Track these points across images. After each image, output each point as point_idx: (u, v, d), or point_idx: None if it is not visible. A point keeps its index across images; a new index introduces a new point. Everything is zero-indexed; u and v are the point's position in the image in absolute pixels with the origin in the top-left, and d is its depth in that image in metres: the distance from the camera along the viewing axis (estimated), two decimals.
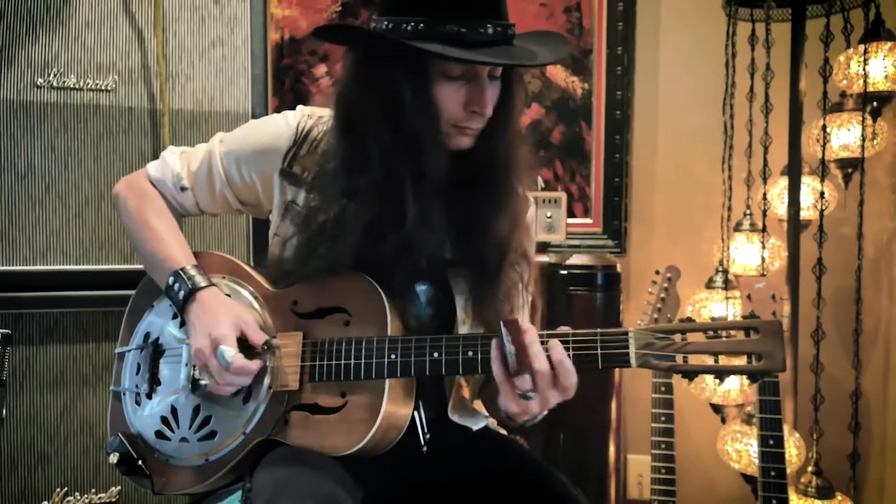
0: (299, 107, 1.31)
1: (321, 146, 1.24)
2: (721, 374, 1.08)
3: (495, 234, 1.22)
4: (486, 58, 1.08)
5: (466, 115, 1.15)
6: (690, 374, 1.08)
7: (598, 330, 1.06)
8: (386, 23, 1.12)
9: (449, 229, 1.22)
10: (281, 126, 1.27)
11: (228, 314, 1.18)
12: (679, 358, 1.04)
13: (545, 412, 1.09)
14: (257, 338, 1.18)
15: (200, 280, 1.23)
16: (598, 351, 1.05)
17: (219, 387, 1.17)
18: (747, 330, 1.05)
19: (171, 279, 1.24)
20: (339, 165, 1.18)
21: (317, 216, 1.20)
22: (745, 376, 1.09)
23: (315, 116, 1.28)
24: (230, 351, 1.13)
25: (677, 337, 1.05)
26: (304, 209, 1.24)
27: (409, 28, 1.09)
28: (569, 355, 1.05)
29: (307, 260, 1.21)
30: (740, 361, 1.06)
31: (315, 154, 1.24)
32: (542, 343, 1.04)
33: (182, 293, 1.22)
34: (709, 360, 1.06)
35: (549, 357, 1.03)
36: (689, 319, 1.10)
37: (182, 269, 1.24)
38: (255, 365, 1.16)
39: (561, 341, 1.06)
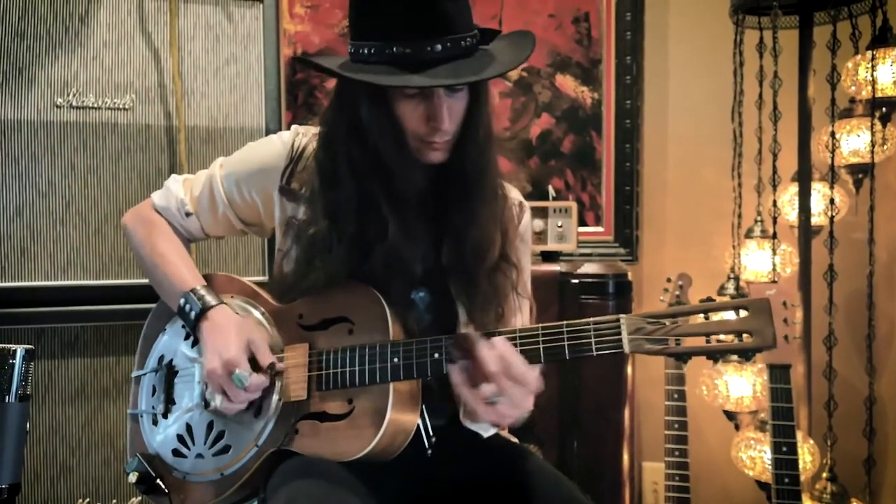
0: (294, 126, 1.35)
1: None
2: (713, 354, 1.09)
3: (474, 240, 1.24)
4: (425, 80, 1.09)
5: (429, 129, 1.17)
6: (683, 356, 1.10)
7: (591, 319, 1.09)
8: (351, 48, 1.16)
9: (438, 238, 1.25)
10: (276, 145, 1.32)
11: (238, 335, 1.21)
12: (671, 341, 1.06)
13: (526, 411, 1.10)
14: (265, 360, 1.21)
15: (211, 299, 1.26)
16: (592, 339, 1.07)
17: (233, 406, 1.20)
18: (737, 309, 1.07)
19: (182, 300, 1.27)
20: (320, 182, 1.23)
21: (307, 230, 1.24)
22: (738, 355, 1.11)
23: (310, 134, 1.32)
24: (245, 374, 1.17)
25: (668, 322, 1.07)
26: (303, 225, 1.28)
27: (364, 52, 1.13)
28: (564, 346, 1.07)
29: (306, 273, 1.24)
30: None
31: (313, 169, 1.28)
32: (559, 338, 1.07)
33: (193, 313, 1.25)
34: (701, 342, 1.07)
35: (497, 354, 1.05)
36: (679, 303, 1.11)
37: (192, 290, 1.28)
38: (267, 379, 1.20)
39: (555, 332, 1.09)
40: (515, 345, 1.09)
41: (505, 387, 1.04)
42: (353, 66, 1.14)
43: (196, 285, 1.29)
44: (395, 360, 1.14)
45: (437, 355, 1.13)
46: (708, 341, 1.06)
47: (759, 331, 1.05)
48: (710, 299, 1.11)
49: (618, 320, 1.07)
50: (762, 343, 1.05)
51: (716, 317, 1.07)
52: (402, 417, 1.17)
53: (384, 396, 1.14)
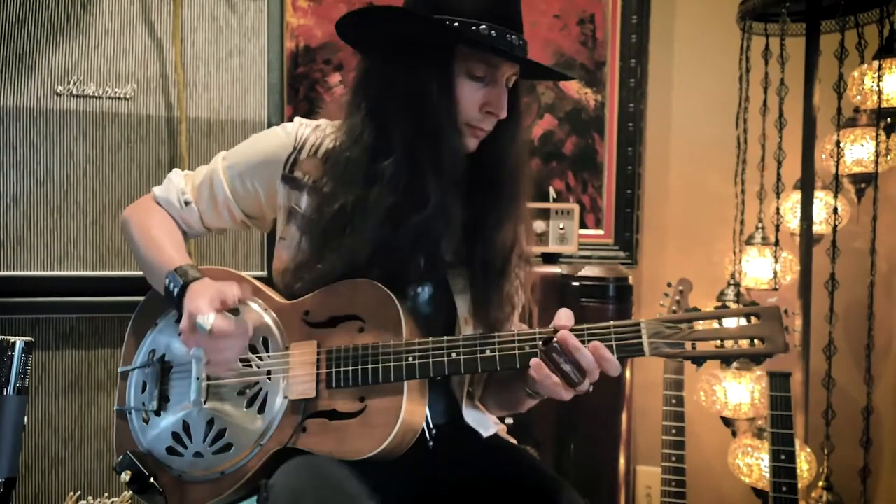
0: (297, 118, 1.37)
1: (322, 150, 1.29)
2: (726, 358, 1.15)
3: (501, 239, 1.26)
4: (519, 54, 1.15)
5: (481, 115, 1.20)
6: (698, 359, 1.13)
7: (612, 322, 1.11)
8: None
9: (467, 226, 1.26)
10: (280, 136, 1.33)
11: (207, 291, 1.17)
12: (688, 345, 1.10)
13: None
14: (231, 297, 1.16)
15: (194, 273, 1.23)
16: (613, 342, 1.10)
17: (217, 359, 1.16)
18: (748, 316, 1.11)
19: (167, 280, 1.24)
20: (359, 154, 1.22)
21: (332, 203, 1.22)
22: (750, 359, 1.18)
23: (313, 125, 1.34)
24: (205, 317, 1.11)
25: (684, 326, 1.11)
26: (306, 213, 1.28)
27: (444, 24, 1.15)
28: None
29: (321, 254, 1.23)
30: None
31: (315, 158, 1.29)
32: (582, 341, 1.10)
33: (176, 290, 1.21)
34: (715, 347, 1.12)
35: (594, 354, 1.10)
36: (695, 309, 1.16)
37: (177, 268, 1.24)
38: (237, 321, 1.16)
39: (576, 335, 1.11)
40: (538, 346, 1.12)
41: (594, 376, 1.11)
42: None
43: (181, 263, 1.25)
44: (411, 359, 1.14)
45: (454, 355, 1.14)
46: (721, 346, 1.10)
47: (770, 337, 1.09)
48: (724, 306, 1.15)
49: (638, 324, 1.11)
50: (773, 348, 1.09)
51: (729, 322, 1.11)
52: (414, 417, 1.16)
53: (398, 395, 1.14)
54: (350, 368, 1.17)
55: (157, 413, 1.29)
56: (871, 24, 2.00)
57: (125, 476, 1.24)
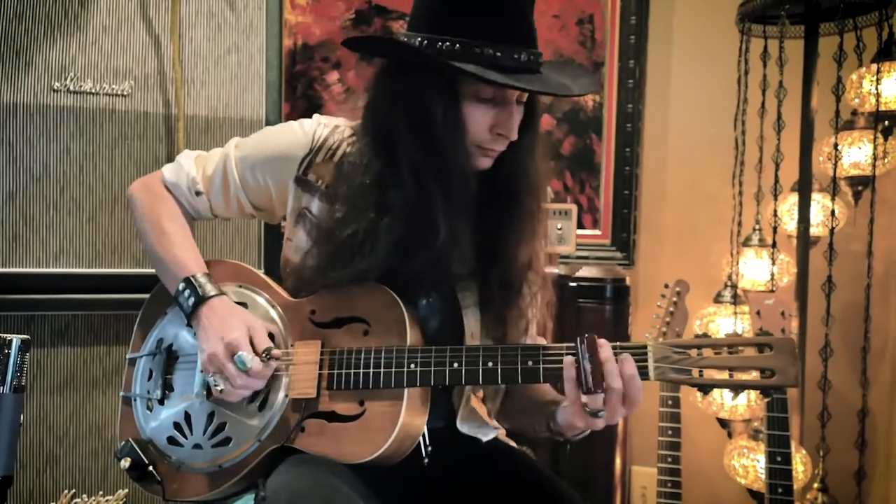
0: (315, 115, 1.33)
1: (338, 155, 1.26)
2: (735, 388, 1.11)
3: (518, 256, 1.24)
4: (522, 84, 1.10)
5: (492, 137, 1.16)
6: (706, 387, 1.11)
7: (618, 343, 1.09)
8: (420, 39, 1.13)
9: (479, 247, 1.25)
10: (297, 134, 1.29)
11: (239, 320, 1.20)
12: (695, 372, 1.08)
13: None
14: (261, 344, 1.19)
15: (211, 288, 1.24)
16: None
17: (234, 391, 1.18)
18: (761, 346, 1.08)
19: (181, 285, 1.25)
20: (372, 180, 1.19)
21: (343, 228, 1.20)
22: (757, 390, 1.13)
23: (331, 125, 1.30)
24: (248, 356, 1.15)
25: (693, 352, 1.08)
26: (318, 219, 1.26)
27: (444, 47, 1.10)
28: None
29: (327, 272, 1.22)
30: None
31: (330, 163, 1.26)
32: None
33: (192, 300, 1.23)
34: (724, 375, 1.09)
35: (620, 372, 1.06)
36: (705, 335, 1.13)
37: (193, 277, 1.25)
38: (271, 368, 1.18)
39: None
40: (539, 361, 1.10)
41: (615, 405, 1.05)
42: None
43: (197, 272, 1.27)
44: (413, 366, 1.13)
45: (456, 365, 1.13)
46: (731, 375, 1.08)
47: (782, 369, 1.06)
48: (736, 335, 1.12)
49: (645, 347, 1.08)
50: (784, 381, 1.06)
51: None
52: (413, 422, 1.15)
53: (398, 401, 1.13)
54: (351, 371, 1.16)
55: (161, 402, 1.29)
56: (870, 27, 1.99)
57: (125, 463, 1.24)
